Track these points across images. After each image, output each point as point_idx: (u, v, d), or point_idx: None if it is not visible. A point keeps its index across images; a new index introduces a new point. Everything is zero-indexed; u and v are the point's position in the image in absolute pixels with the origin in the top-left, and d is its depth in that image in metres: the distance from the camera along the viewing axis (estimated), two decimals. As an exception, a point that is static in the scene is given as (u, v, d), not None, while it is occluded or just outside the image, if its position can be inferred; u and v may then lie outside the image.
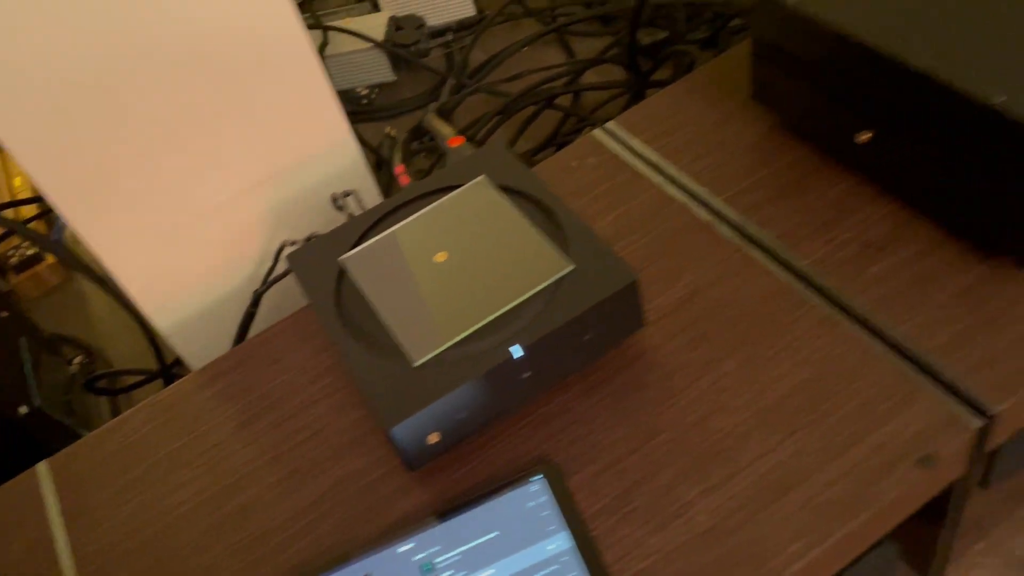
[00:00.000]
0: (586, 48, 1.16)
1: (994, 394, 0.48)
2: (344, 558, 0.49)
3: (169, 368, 0.88)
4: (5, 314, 0.91)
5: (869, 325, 0.52)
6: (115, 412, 0.94)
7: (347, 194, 0.68)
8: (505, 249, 0.54)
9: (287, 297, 0.72)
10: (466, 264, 0.54)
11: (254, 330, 0.70)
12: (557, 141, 1.04)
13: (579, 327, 0.50)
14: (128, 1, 0.55)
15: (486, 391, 0.49)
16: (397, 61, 1.20)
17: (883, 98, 0.52)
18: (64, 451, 0.60)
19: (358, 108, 1.17)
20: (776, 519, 0.46)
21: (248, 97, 0.64)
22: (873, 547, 0.51)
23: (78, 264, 0.84)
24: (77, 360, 0.95)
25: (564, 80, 1.09)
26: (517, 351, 0.49)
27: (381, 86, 1.21)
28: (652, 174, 0.64)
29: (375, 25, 1.20)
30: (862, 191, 0.59)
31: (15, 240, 1.15)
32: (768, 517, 0.46)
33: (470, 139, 1.03)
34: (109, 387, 0.92)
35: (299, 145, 0.68)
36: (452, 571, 0.47)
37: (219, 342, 0.72)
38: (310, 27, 1.19)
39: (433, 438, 0.49)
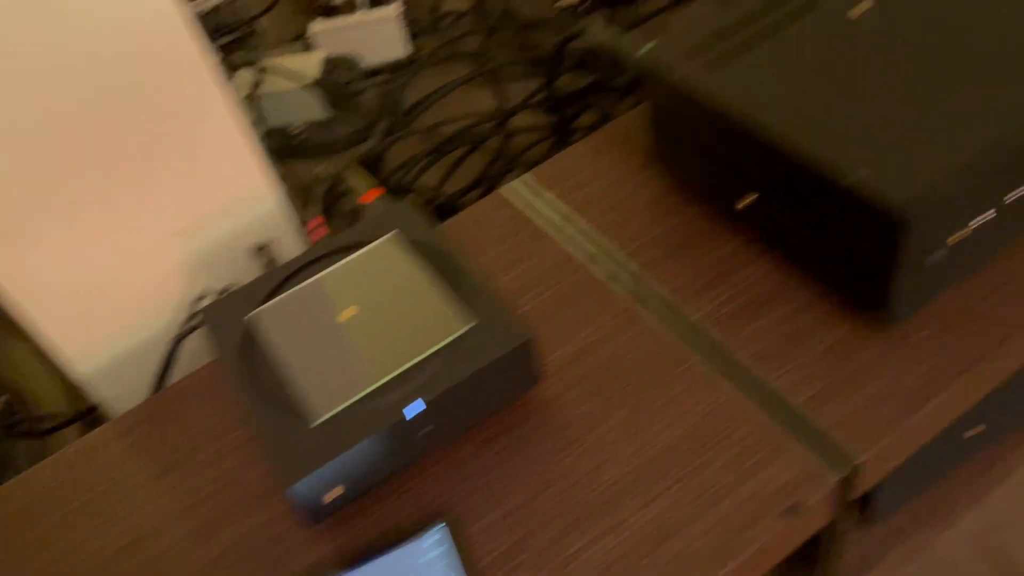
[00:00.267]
0: (518, 90, 1.20)
1: (856, 445, 0.52)
2: (246, 610, 0.50)
3: (89, 412, 0.88)
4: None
5: (746, 380, 0.56)
6: (36, 456, 0.94)
7: (262, 247, 0.70)
8: (410, 306, 0.56)
9: (210, 343, 0.73)
10: (372, 321, 0.56)
11: (177, 375, 0.71)
12: (485, 183, 1.07)
13: (478, 383, 0.53)
14: (42, 48, 0.57)
15: (386, 447, 0.52)
16: (332, 100, 1.22)
17: (758, 167, 0.57)
18: (-25, 504, 0.60)
19: (292, 145, 1.19)
20: (654, 568, 0.49)
21: (164, 145, 0.65)
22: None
23: None
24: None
25: (493, 123, 1.12)
26: (417, 407, 0.51)
27: (316, 124, 1.23)
28: (556, 230, 0.67)
29: (310, 64, 1.22)
30: (748, 250, 0.63)
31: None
32: (647, 566, 0.49)
33: (395, 187, 1.06)
34: (31, 430, 0.92)
35: (218, 193, 0.70)
36: (348, 622, 0.49)
37: (138, 389, 0.73)
38: (245, 65, 1.20)
39: (334, 494, 0.51)
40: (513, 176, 1.09)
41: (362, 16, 1.24)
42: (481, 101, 1.20)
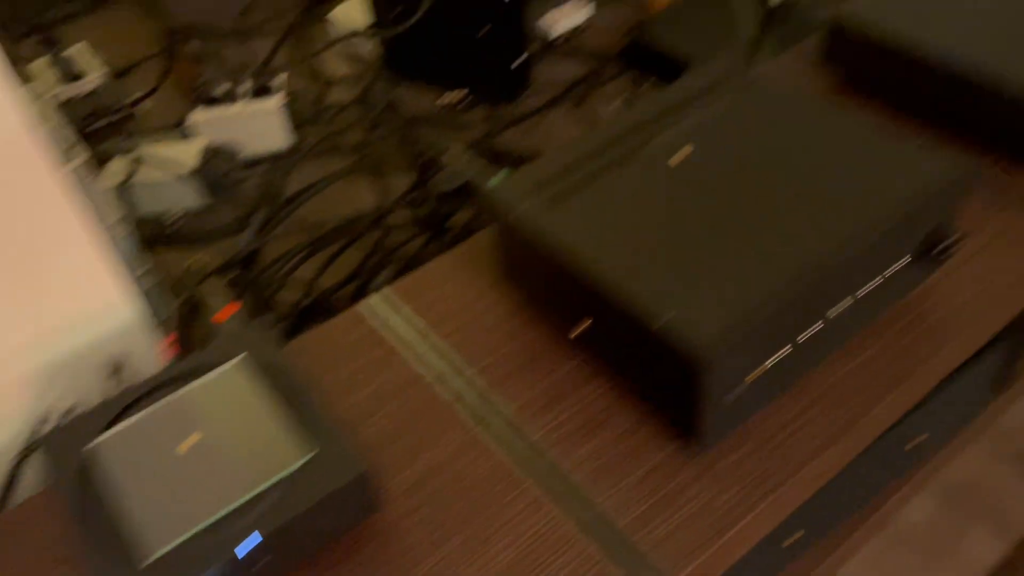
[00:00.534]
0: (399, 184, 1.23)
1: (673, 564, 0.56)
2: None
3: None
4: None
5: (576, 501, 0.59)
6: None
7: (117, 365, 0.70)
8: (253, 435, 0.58)
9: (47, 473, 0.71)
10: (213, 451, 0.57)
11: (23, 494, 0.69)
12: (362, 277, 1.09)
13: (314, 515, 0.54)
14: None
15: (218, 582, 0.52)
16: (210, 189, 1.23)
17: (587, 301, 0.61)
18: None
19: (166, 234, 1.18)
20: None
21: (4, 254, 0.64)
22: None
23: None
24: None
25: (371, 218, 1.15)
26: (252, 541, 0.52)
27: (192, 213, 1.22)
28: (409, 347, 0.70)
29: (189, 153, 1.22)
30: (586, 369, 0.67)
31: None
32: None
33: (267, 283, 1.07)
34: None
35: (64, 305, 0.69)
36: None
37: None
38: (121, 153, 1.20)
39: (163, 632, 0.51)
40: (388, 272, 1.12)
41: (244, 106, 1.26)
42: (361, 194, 1.22)
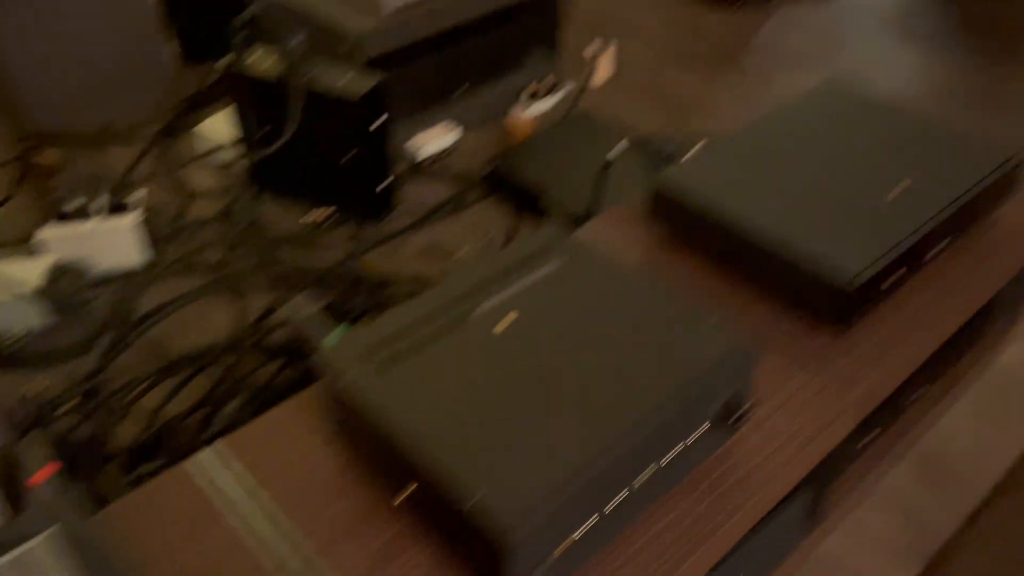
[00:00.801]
0: (257, 305, 1.22)
1: None
2: None
3: None
4: None
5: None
6: None
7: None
8: (54, 619, 0.56)
9: None
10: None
11: None
12: (207, 407, 1.07)
13: None
14: None
15: None
16: (57, 308, 1.19)
17: (407, 470, 0.63)
18: None
19: (3, 355, 1.13)
20: None
21: None
22: None
23: None
24: None
25: (224, 343, 1.14)
26: None
27: (35, 333, 1.18)
28: (235, 509, 0.69)
29: (34, 270, 1.18)
30: (413, 532, 0.68)
31: None
32: None
33: (107, 409, 1.04)
34: None
35: None
36: None
37: None
38: (-41, 269, 1.15)
39: None
40: (237, 402, 1.10)
41: (98, 223, 1.23)
42: (217, 316, 1.21)
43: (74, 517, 0.62)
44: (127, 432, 1.04)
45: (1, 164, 1.41)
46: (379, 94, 1.26)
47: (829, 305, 0.77)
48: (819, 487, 0.85)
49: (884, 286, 0.78)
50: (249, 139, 1.36)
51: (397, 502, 0.65)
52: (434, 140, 1.52)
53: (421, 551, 0.67)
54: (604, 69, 1.72)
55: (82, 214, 1.24)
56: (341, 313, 1.15)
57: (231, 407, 1.07)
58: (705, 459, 0.70)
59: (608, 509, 0.62)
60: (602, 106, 1.64)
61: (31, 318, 1.16)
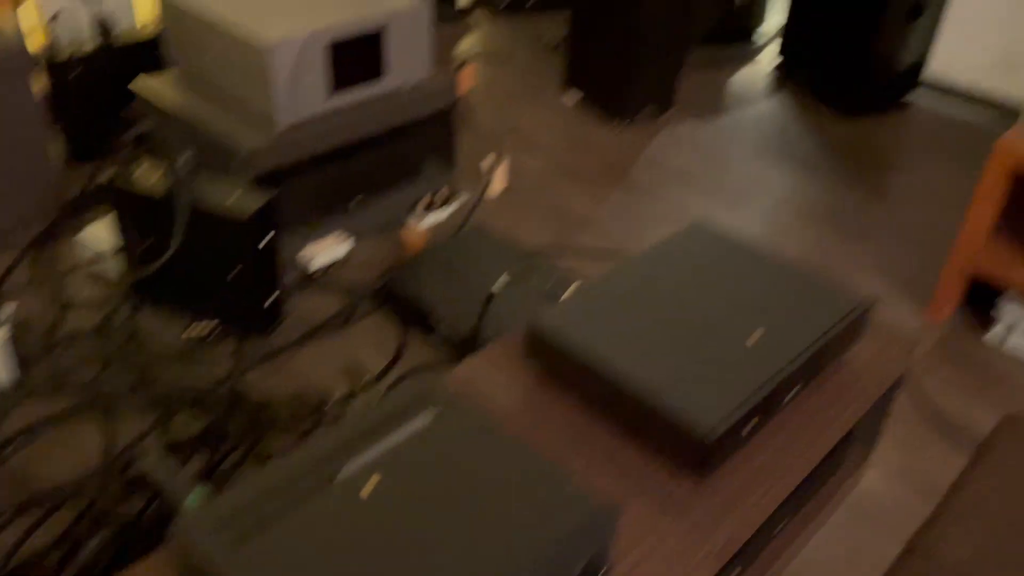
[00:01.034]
0: (132, 427, 1.17)
1: None
2: None
3: None
4: None
5: None
6: None
7: None
8: None
9: None
10: None
11: None
12: (67, 544, 1.01)
13: None
14: None
15: None
16: (-96, 434, 1.11)
17: None
18: None
19: None
20: None
21: None
22: None
23: None
24: None
25: (87, 476, 1.09)
26: None
27: None
28: None
29: None
30: None
31: None
32: None
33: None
34: None
35: None
36: None
37: None
38: None
39: None
40: (98, 540, 1.04)
41: (-41, 341, 1.17)
42: (86, 441, 1.14)
43: None
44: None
45: None
46: (268, 212, 1.26)
47: (690, 455, 0.80)
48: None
49: (743, 433, 0.82)
50: (131, 252, 1.33)
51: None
52: (326, 251, 1.52)
53: None
54: (499, 181, 1.78)
55: (-59, 331, 1.17)
56: (217, 439, 1.12)
57: (93, 544, 1.01)
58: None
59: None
60: (495, 218, 1.69)
61: None
